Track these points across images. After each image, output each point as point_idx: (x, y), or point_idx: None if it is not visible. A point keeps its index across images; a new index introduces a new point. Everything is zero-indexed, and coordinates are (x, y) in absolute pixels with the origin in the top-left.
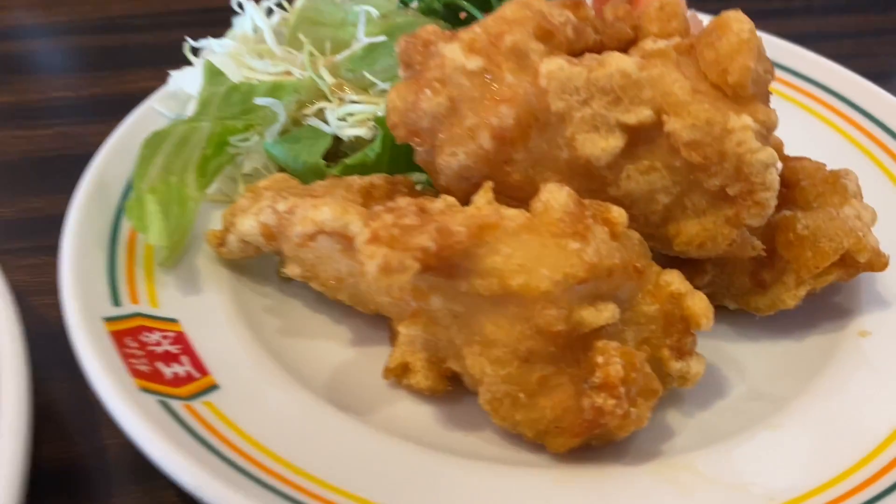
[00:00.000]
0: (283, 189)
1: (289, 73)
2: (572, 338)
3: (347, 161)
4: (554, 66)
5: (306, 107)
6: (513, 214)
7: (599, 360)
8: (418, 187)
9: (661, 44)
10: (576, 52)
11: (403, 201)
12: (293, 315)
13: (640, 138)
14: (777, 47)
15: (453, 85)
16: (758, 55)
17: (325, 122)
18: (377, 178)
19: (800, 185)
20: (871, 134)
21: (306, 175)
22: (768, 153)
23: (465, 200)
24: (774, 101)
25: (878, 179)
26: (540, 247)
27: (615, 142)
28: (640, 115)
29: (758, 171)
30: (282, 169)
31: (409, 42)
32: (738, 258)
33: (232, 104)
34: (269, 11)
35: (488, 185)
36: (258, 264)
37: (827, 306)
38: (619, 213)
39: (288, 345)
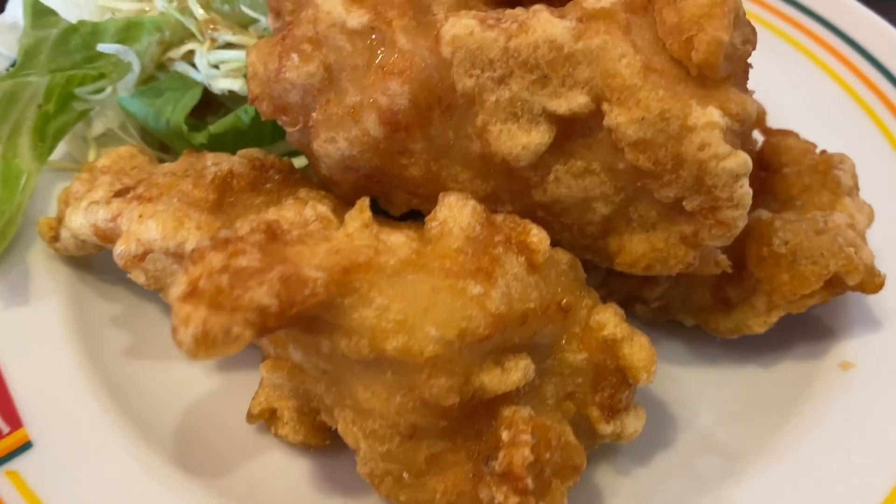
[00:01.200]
0: (123, 171)
1: (150, 2)
2: (471, 406)
3: (212, 128)
4: (461, 30)
5: (172, 48)
6: (395, 245)
7: (504, 435)
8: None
9: (606, 1)
10: (500, 2)
11: (248, 224)
12: (147, 327)
13: (573, 130)
14: None
15: (330, 47)
16: (735, 21)
17: (195, 67)
18: (240, 164)
19: (782, 172)
20: (870, 81)
21: (170, 137)
22: (739, 160)
23: (354, 193)
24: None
25: (875, 141)
26: (429, 292)
27: (539, 137)
28: (573, 101)
29: (724, 184)
30: (144, 128)
31: None
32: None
33: (70, 51)
34: None
35: (364, 203)
36: (107, 259)
37: (803, 323)
38: (539, 239)
39: (135, 372)
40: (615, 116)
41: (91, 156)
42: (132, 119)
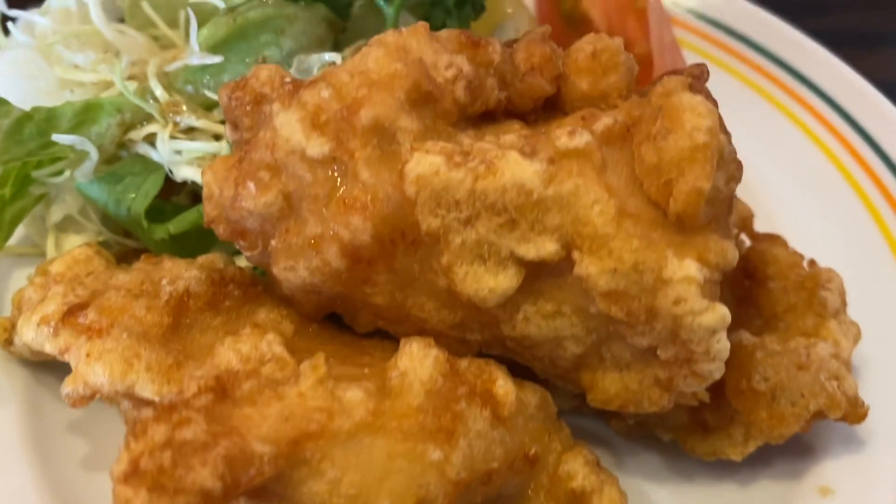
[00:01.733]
0: (77, 279)
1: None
2: None
3: (172, 227)
4: (426, 169)
5: (133, 129)
6: (351, 404)
7: None
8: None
9: (581, 140)
10: (471, 117)
11: (195, 384)
12: (106, 435)
13: (542, 271)
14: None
15: (289, 175)
16: (718, 164)
17: (157, 150)
18: (197, 281)
19: (767, 287)
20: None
21: (131, 225)
22: (717, 316)
23: (318, 311)
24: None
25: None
26: (385, 459)
27: (507, 281)
28: (542, 249)
29: (700, 339)
30: (105, 214)
31: (233, 97)
32: None
33: (24, 140)
34: None
35: (318, 360)
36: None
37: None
38: (505, 391)
39: (93, 484)
40: (586, 266)
41: (50, 243)
42: (92, 203)
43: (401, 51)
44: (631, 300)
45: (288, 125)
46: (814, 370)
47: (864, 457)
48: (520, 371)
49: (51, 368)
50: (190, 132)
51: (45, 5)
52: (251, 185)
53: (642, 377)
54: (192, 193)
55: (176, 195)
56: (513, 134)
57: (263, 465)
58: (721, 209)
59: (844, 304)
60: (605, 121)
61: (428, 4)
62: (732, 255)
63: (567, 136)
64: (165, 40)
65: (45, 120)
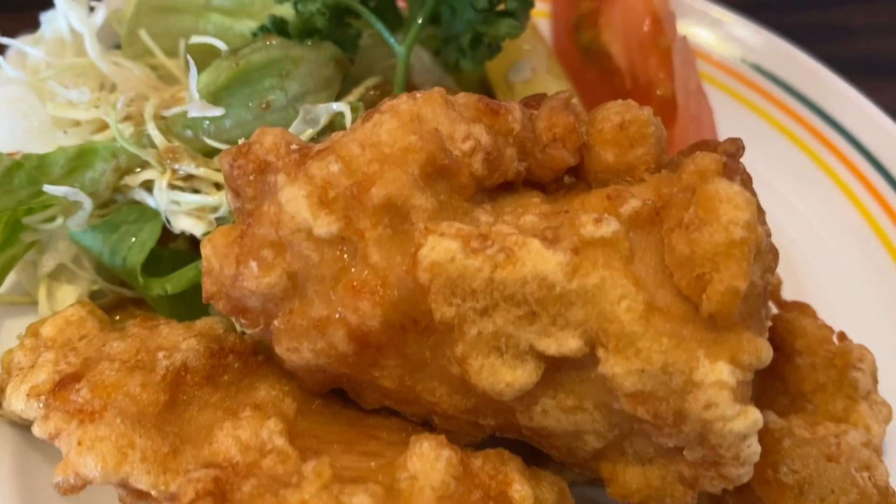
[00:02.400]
0: (69, 344)
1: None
2: None
3: (170, 287)
4: (441, 255)
5: (129, 174)
6: None
7: None
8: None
9: (607, 228)
10: (489, 187)
11: (192, 489)
12: (102, 501)
13: (563, 364)
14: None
15: (294, 254)
16: (755, 257)
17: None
18: (195, 354)
19: (795, 362)
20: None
21: (127, 276)
22: (749, 422)
23: (322, 387)
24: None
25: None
26: None
27: (526, 376)
28: (564, 344)
29: (730, 444)
30: (99, 263)
31: (235, 166)
32: None
33: (14, 189)
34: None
35: (322, 467)
36: None
37: None
38: (522, 497)
39: None
40: (611, 366)
41: (42, 293)
42: (86, 252)
43: (415, 121)
44: (658, 402)
45: (294, 201)
46: (844, 461)
47: None
48: (534, 451)
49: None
50: (189, 179)
51: (38, 34)
52: (253, 264)
53: (665, 473)
54: (191, 239)
55: (173, 241)
56: (533, 214)
57: None
58: (756, 304)
59: (876, 382)
60: (632, 203)
61: (440, 39)
62: (767, 355)
63: (593, 223)
64: (163, 70)
65: (36, 168)
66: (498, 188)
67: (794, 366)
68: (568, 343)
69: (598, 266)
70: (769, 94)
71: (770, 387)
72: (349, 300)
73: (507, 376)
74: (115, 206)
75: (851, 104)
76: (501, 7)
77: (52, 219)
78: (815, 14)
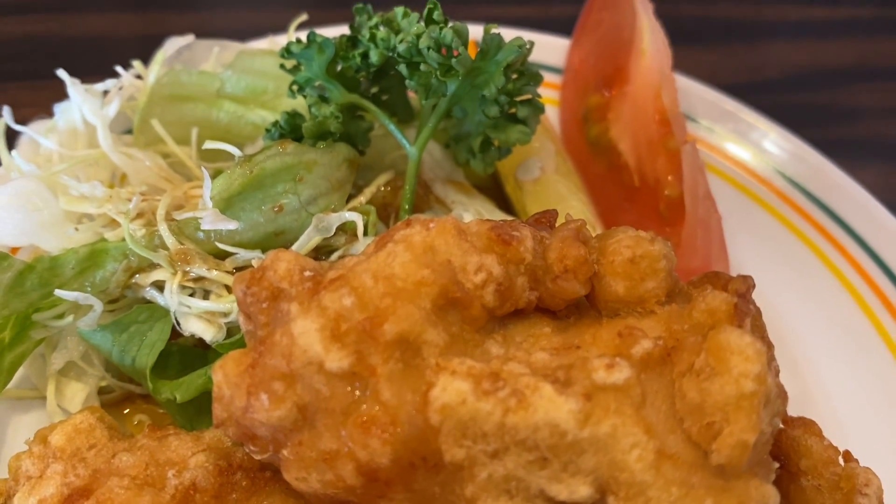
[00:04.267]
0: (78, 454)
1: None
2: None
3: (179, 395)
4: (452, 398)
5: (141, 273)
6: None
7: None
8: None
9: (619, 375)
10: (499, 316)
11: None
12: None
13: None
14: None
15: (305, 387)
16: (765, 406)
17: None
18: (204, 472)
19: (800, 483)
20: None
21: (136, 375)
22: None
23: None
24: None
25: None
26: None
27: None
28: (575, 491)
29: None
30: (108, 361)
31: (248, 293)
32: None
33: (25, 292)
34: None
35: None
36: None
37: None
38: None
39: None
40: None
41: (50, 389)
42: (95, 349)
43: (428, 253)
44: None
45: (306, 335)
46: None
47: None
48: None
49: None
50: (200, 280)
51: (51, 123)
52: (264, 396)
53: None
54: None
55: (182, 336)
56: (544, 350)
57: None
58: (764, 450)
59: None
60: (644, 345)
61: (451, 138)
62: (774, 502)
63: (605, 369)
64: (175, 158)
65: (48, 270)
66: (509, 315)
67: (799, 487)
68: (579, 490)
69: (610, 413)
70: (792, 202)
71: None
72: (359, 436)
73: None
74: (125, 300)
75: (873, 216)
76: (512, 110)
77: (61, 316)
78: (824, 94)
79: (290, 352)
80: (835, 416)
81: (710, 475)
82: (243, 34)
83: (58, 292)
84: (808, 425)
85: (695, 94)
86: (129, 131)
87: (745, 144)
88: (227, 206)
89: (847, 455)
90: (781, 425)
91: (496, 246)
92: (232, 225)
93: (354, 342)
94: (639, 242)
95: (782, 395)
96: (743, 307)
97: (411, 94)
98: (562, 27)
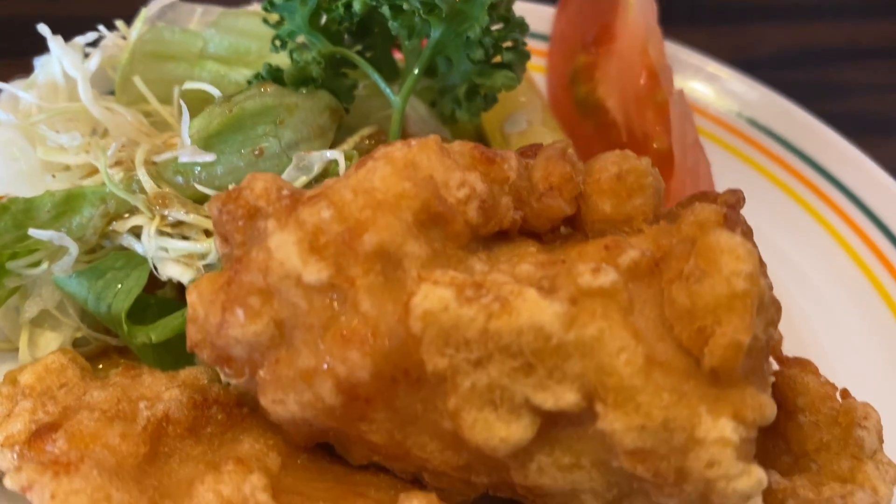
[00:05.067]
0: (48, 392)
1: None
2: None
3: (154, 335)
4: (434, 304)
5: (118, 220)
6: None
7: None
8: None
9: (606, 279)
10: (483, 237)
11: None
12: None
13: (560, 420)
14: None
15: (282, 302)
16: (758, 311)
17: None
18: (178, 405)
19: (797, 420)
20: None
21: (111, 323)
22: (753, 481)
23: (308, 441)
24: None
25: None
26: None
27: (521, 431)
28: (561, 398)
29: None
30: (84, 310)
31: (224, 211)
32: None
33: None
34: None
35: None
36: None
37: None
38: None
39: None
40: (610, 422)
41: (23, 340)
42: (70, 298)
43: (409, 167)
44: (659, 460)
45: (284, 247)
46: None
47: None
48: None
49: None
50: (178, 226)
51: (31, 78)
52: (240, 311)
53: None
54: (178, 287)
55: (160, 288)
56: (529, 263)
57: None
58: (759, 359)
59: (881, 441)
60: (631, 254)
61: (436, 91)
62: (771, 412)
63: (590, 273)
64: (157, 117)
65: (22, 212)
66: (493, 237)
67: (797, 424)
68: (565, 397)
69: (596, 317)
70: (766, 149)
71: (772, 445)
72: (338, 350)
73: (501, 431)
74: (102, 252)
75: (848, 159)
76: (497, 59)
77: (36, 264)
78: (813, 72)
79: (266, 266)
80: (830, 364)
81: (703, 383)
82: (227, 2)
83: (32, 231)
84: (804, 364)
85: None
86: (111, 93)
87: (713, 92)
88: (205, 146)
89: (844, 393)
90: (777, 366)
91: (480, 165)
92: (209, 157)
93: (333, 254)
94: (625, 158)
95: (776, 305)
96: (733, 217)
97: (397, 56)
98: None
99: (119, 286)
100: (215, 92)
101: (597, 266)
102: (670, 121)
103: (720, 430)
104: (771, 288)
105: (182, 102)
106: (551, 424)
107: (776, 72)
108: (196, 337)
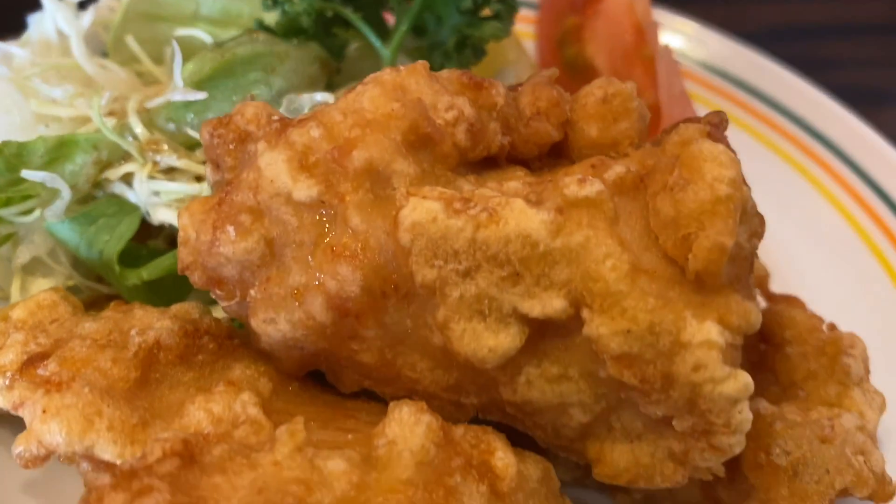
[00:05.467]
0: (40, 326)
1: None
2: None
3: (146, 273)
4: (422, 216)
5: (110, 168)
6: (333, 475)
7: None
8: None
9: (591, 189)
10: (472, 162)
11: (160, 448)
12: (68, 496)
13: (548, 329)
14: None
15: (273, 220)
16: (741, 218)
17: (134, 190)
18: (169, 333)
19: (785, 352)
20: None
21: (103, 269)
22: (739, 385)
23: (298, 368)
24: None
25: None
26: None
27: (509, 340)
28: (548, 305)
29: (721, 409)
30: (76, 257)
31: (215, 135)
32: None
33: None
34: (82, 5)
35: (297, 426)
36: None
37: None
38: (505, 464)
39: None
40: (596, 327)
41: (15, 287)
42: (63, 245)
43: (398, 90)
44: (645, 365)
45: (273, 165)
46: (838, 444)
47: None
48: (519, 439)
49: (6, 424)
50: (170, 172)
51: (24, 36)
52: (230, 229)
53: (655, 449)
54: (170, 238)
55: (153, 239)
56: (517, 181)
57: None
58: (743, 267)
59: (868, 371)
60: (616, 169)
61: (426, 47)
62: (756, 318)
63: (576, 184)
64: (149, 77)
65: (15, 156)
66: (481, 164)
67: (785, 355)
68: (552, 303)
69: (583, 225)
70: (735, 98)
71: (761, 379)
72: (328, 265)
73: (489, 341)
74: (94, 202)
75: (818, 103)
76: (486, 13)
77: (29, 211)
78: (801, 47)
79: (256, 184)
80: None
81: (688, 290)
82: None
83: (25, 173)
84: (791, 300)
85: None
86: (104, 55)
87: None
88: (197, 90)
89: (831, 326)
90: (764, 302)
91: (468, 90)
92: (201, 95)
93: (323, 172)
94: (610, 83)
95: (759, 217)
96: (717, 134)
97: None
98: None
99: (111, 233)
100: (208, 39)
101: (582, 177)
102: (657, 75)
103: (705, 332)
104: (755, 208)
105: (175, 44)
106: (539, 336)
107: (766, 46)
108: (187, 259)
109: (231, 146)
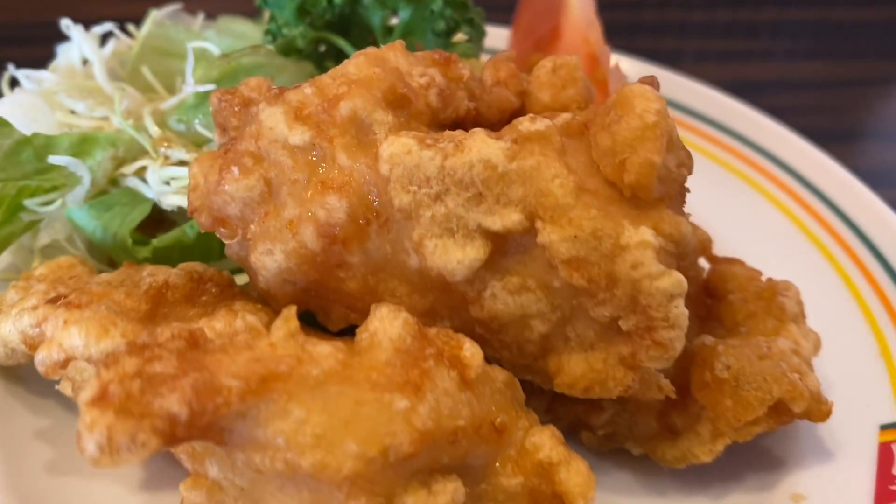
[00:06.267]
0: (60, 280)
1: (108, 119)
2: None
3: (156, 242)
4: (399, 148)
5: (126, 164)
6: (321, 355)
7: None
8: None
9: (541, 124)
10: (442, 124)
11: (169, 331)
12: (72, 443)
13: (508, 247)
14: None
15: (271, 162)
16: (668, 145)
17: (147, 183)
18: (176, 276)
19: (727, 299)
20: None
21: (115, 251)
22: (673, 280)
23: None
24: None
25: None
26: (352, 405)
27: (475, 252)
28: (507, 219)
29: (659, 304)
30: (91, 242)
31: (223, 99)
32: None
33: (21, 162)
34: (104, 39)
35: (290, 312)
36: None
37: (753, 454)
38: (472, 354)
39: (55, 490)
40: (548, 234)
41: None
42: (80, 231)
43: (379, 59)
44: (591, 266)
45: (272, 117)
46: (775, 360)
47: (833, 465)
48: None
49: (22, 379)
50: (180, 165)
51: (52, 64)
52: (235, 169)
53: (606, 356)
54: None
55: (162, 233)
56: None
57: (231, 397)
58: (673, 189)
59: (803, 314)
60: (564, 116)
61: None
62: (686, 228)
63: (529, 121)
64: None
65: (43, 146)
66: (451, 126)
67: (727, 302)
68: (510, 217)
69: (535, 153)
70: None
71: (707, 327)
72: (318, 196)
73: (457, 254)
74: (111, 193)
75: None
76: (459, 38)
77: (51, 201)
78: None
79: (258, 133)
80: None
81: (626, 205)
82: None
83: (51, 158)
84: (732, 260)
85: None
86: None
87: None
88: (204, 96)
89: (769, 279)
90: (708, 265)
91: (438, 65)
92: (210, 87)
93: (315, 121)
94: (558, 56)
95: (687, 152)
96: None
97: None
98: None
99: (125, 218)
100: (215, 50)
101: (534, 116)
102: (608, 89)
103: (641, 235)
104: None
105: (190, 48)
106: (501, 253)
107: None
108: (195, 203)
109: (236, 108)
